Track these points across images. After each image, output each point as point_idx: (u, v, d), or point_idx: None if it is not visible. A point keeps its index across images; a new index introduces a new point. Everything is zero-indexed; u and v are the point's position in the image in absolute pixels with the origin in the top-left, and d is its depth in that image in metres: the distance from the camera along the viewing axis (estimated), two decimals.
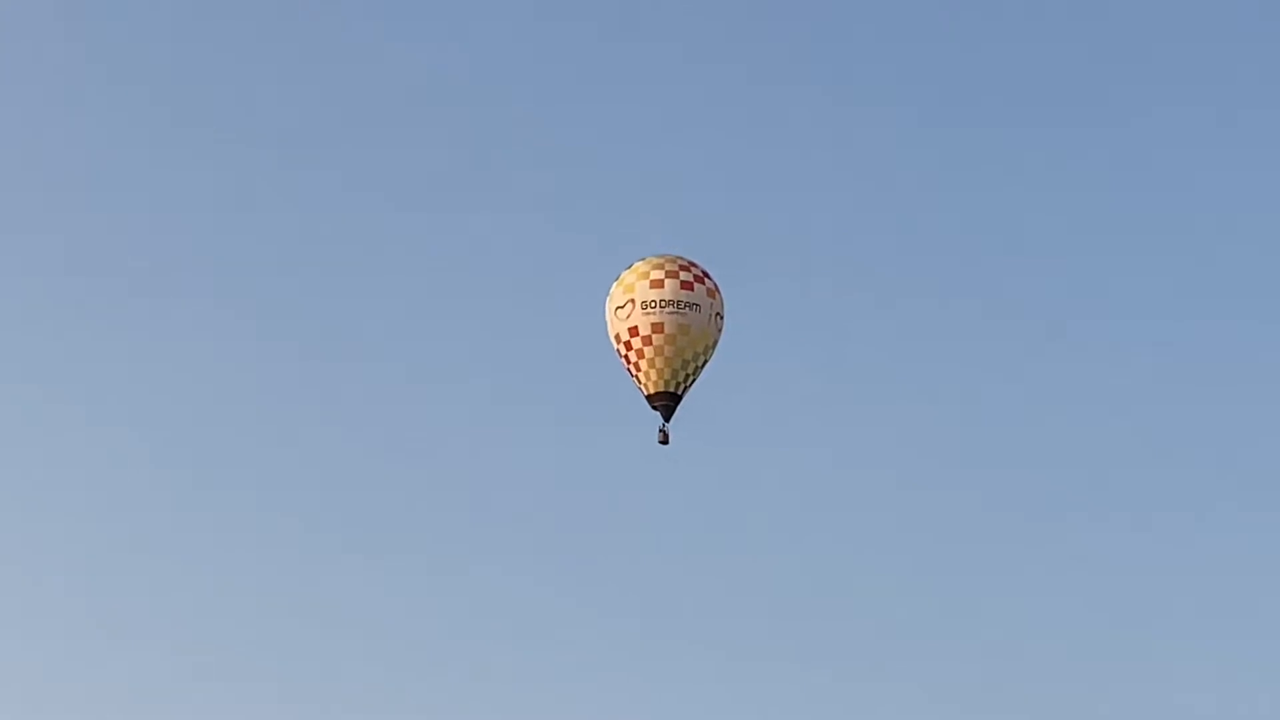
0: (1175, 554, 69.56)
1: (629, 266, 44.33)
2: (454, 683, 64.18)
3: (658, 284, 43.67)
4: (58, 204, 79.75)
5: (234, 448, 72.81)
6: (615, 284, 44.31)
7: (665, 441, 44.25)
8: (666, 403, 44.10)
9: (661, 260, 44.11)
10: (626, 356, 44.00)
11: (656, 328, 43.57)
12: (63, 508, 70.37)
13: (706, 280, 44.07)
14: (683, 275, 43.82)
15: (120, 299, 77.94)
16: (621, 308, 43.91)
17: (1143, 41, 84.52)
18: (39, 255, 78.58)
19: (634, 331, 43.77)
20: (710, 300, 43.97)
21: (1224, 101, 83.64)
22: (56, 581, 67.16)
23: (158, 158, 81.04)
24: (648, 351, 43.68)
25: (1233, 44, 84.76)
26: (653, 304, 43.57)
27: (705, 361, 44.25)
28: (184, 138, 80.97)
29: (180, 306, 78.12)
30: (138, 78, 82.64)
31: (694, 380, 44.24)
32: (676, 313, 43.55)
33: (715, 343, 44.34)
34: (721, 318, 44.32)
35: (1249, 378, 76.16)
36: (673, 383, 43.94)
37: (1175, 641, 65.57)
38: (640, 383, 44.11)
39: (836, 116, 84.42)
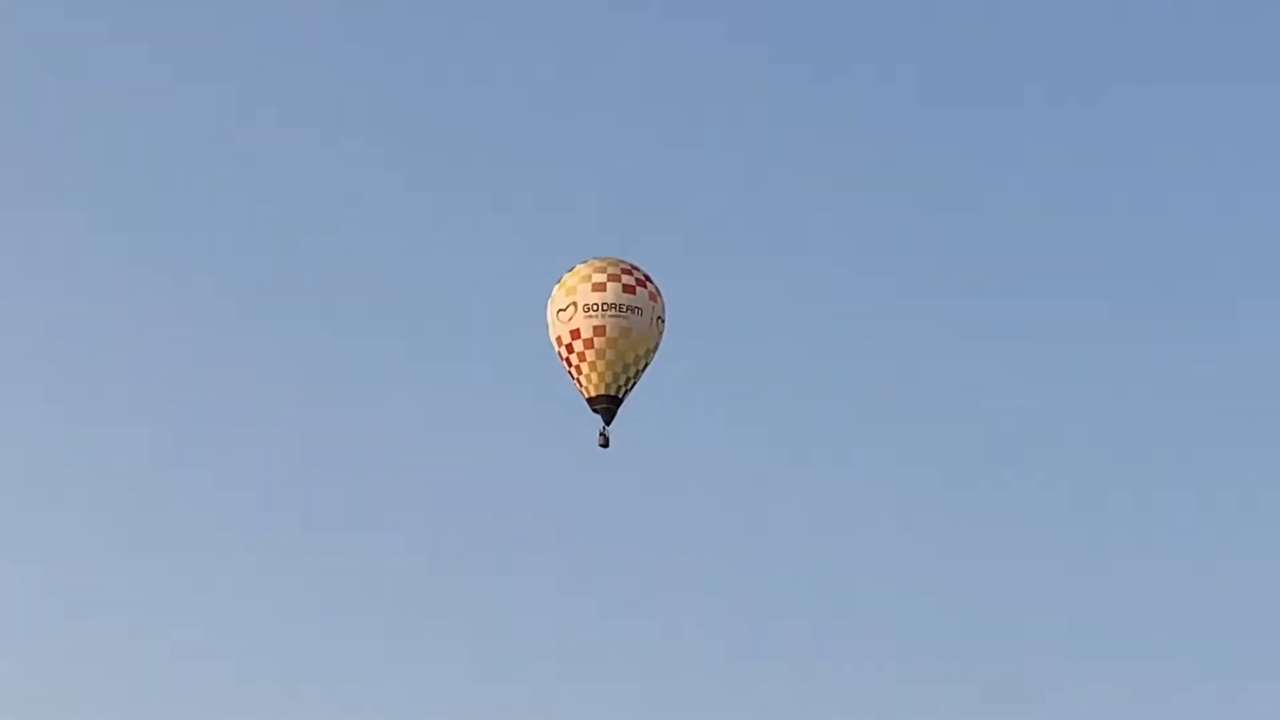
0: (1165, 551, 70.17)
1: (571, 269, 44.26)
2: (399, 684, 64.17)
3: (600, 287, 43.60)
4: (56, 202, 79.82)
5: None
6: (557, 286, 44.22)
7: (605, 445, 44.20)
8: (607, 406, 44.05)
9: (604, 263, 44.05)
10: (568, 359, 43.92)
11: (598, 330, 43.50)
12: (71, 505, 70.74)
13: (649, 284, 44.03)
14: (625, 279, 43.76)
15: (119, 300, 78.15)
16: (563, 310, 43.82)
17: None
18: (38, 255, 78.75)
19: (575, 334, 43.68)
20: (652, 304, 43.91)
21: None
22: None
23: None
24: (589, 354, 43.61)
25: None
26: (595, 307, 43.49)
27: (646, 365, 44.22)
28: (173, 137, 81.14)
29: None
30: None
31: (635, 384, 44.19)
32: (619, 316, 43.49)
33: (656, 346, 44.31)
34: (663, 321, 44.28)
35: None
36: (614, 386, 43.89)
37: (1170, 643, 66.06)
38: (581, 385, 44.03)
39: (785, 115, 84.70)
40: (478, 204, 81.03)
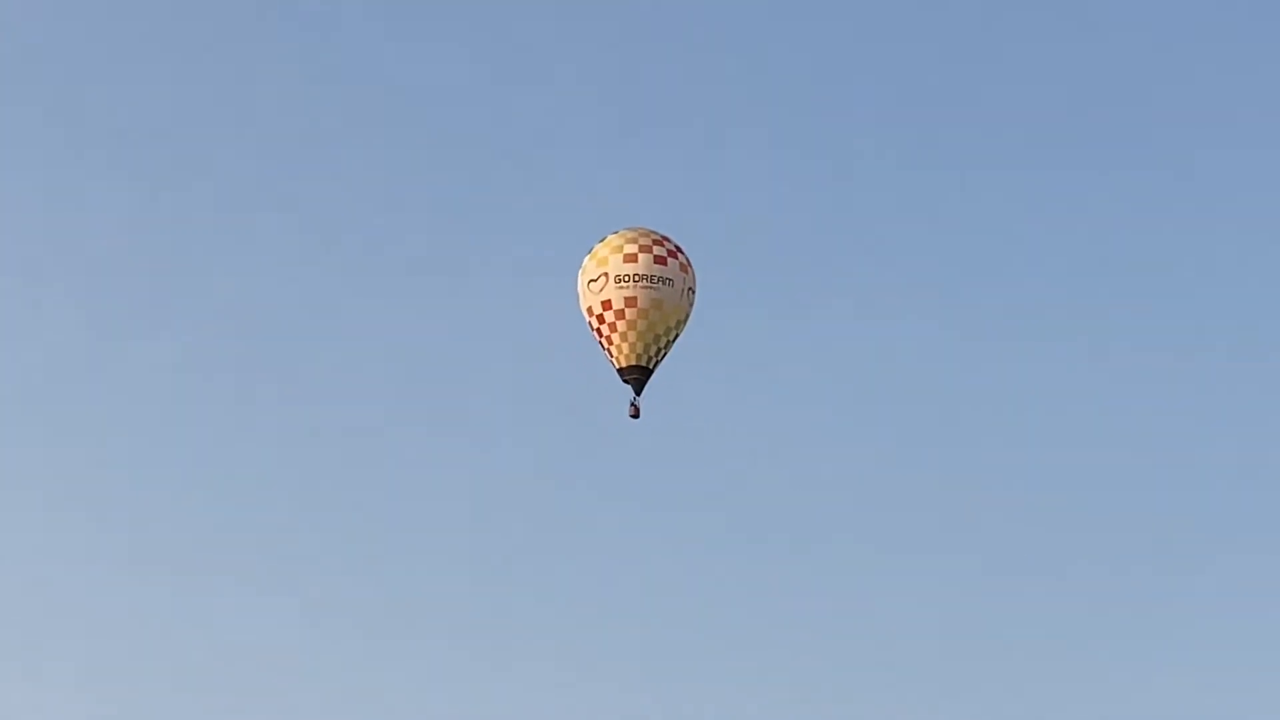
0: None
1: (602, 239, 44.37)
2: (426, 673, 64.48)
3: (631, 258, 43.70)
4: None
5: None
6: (588, 257, 44.33)
7: (636, 415, 44.35)
8: (638, 376, 44.19)
9: (635, 234, 44.14)
10: (599, 330, 44.06)
11: (629, 301, 43.62)
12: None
13: (680, 255, 44.13)
14: (656, 250, 43.85)
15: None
16: (594, 281, 43.94)
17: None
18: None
19: (607, 305, 43.80)
20: (683, 275, 44.02)
21: None
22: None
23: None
24: (620, 325, 43.74)
25: None
26: (626, 278, 43.61)
27: (677, 336, 44.34)
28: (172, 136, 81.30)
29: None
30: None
31: (665, 354, 44.32)
32: (650, 287, 43.60)
33: (687, 317, 44.42)
34: (693, 293, 44.38)
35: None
36: (644, 357, 44.02)
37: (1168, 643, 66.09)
38: (612, 356, 44.17)
39: (813, 97, 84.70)
40: (506, 173, 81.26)
